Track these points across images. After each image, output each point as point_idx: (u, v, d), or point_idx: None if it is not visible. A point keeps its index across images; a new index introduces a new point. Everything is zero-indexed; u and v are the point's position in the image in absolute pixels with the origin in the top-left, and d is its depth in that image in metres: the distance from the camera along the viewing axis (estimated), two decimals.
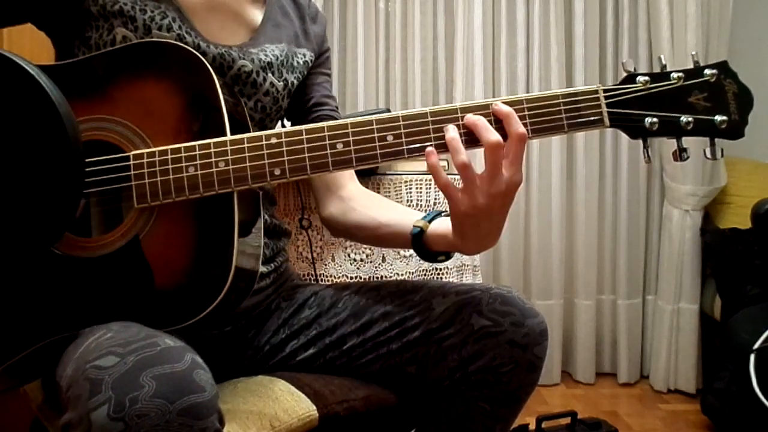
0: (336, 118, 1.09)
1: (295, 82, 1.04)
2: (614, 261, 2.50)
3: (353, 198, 1.07)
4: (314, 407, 0.90)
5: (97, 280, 0.80)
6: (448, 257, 0.94)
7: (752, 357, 1.77)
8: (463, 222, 0.82)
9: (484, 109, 0.80)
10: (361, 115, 1.73)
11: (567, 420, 1.88)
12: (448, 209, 0.85)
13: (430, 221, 0.92)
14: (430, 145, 0.80)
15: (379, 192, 1.62)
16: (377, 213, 1.02)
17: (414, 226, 0.92)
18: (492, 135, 0.78)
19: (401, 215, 0.98)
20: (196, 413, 0.62)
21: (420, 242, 0.92)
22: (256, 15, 1.03)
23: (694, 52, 0.84)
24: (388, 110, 1.77)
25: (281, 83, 1.01)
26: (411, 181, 1.67)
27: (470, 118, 0.79)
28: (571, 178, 2.46)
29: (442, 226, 0.90)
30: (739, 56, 2.41)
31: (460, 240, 0.85)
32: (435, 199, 1.68)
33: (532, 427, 1.85)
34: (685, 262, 2.34)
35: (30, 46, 1.38)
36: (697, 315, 2.35)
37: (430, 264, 1.61)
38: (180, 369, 0.64)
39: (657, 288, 2.44)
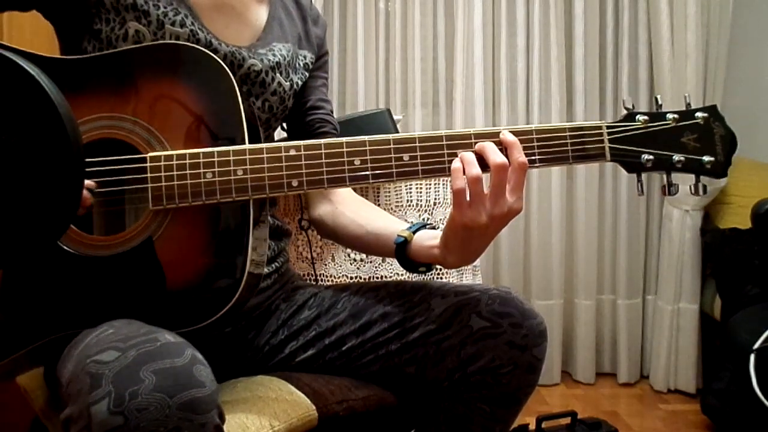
0: (331, 123, 1.09)
1: (299, 82, 1.05)
2: (614, 261, 2.50)
3: (343, 202, 1.08)
4: (314, 407, 0.90)
5: (108, 279, 0.80)
6: (429, 269, 0.95)
7: (752, 357, 1.77)
8: (456, 234, 0.84)
9: (494, 137, 0.83)
10: (361, 115, 1.74)
11: (567, 420, 1.88)
12: (433, 221, 0.86)
13: (414, 232, 0.93)
14: (445, 167, 0.83)
15: (379, 192, 1.62)
16: (364, 220, 1.03)
17: (398, 235, 0.94)
18: (498, 157, 0.81)
19: (387, 224, 0.99)
20: (195, 407, 0.62)
21: (403, 252, 0.93)
22: (261, 15, 1.03)
23: (686, 94, 0.90)
24: (389, 110, 1.77)
25: (288, 83, 1.01)
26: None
27: (480, 143, 0.82)
28: (571, 178, 2.46)
29: (426, 237, 0.91)
30: (739, 56, 2.41)
31: (445, 252, 0.87)
32: (435, 199, 1.68)
33: (532, 427, 1.85)
34: (685, 262, 2.34)
35: (30, 45, 1.38)
36: (697, 315, 2.34)
37: None
38: (180, 364, 0.64)
39: (657, 288, 2.44)
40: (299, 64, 1.05)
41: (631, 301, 2.48)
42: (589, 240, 2.45)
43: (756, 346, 1.78)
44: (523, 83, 2.42)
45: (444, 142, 0.83)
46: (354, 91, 2.38)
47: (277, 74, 0.99)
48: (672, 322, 2.36)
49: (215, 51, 0.85)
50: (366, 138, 0.83)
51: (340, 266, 1.58)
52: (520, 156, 0.82)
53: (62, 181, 0.73)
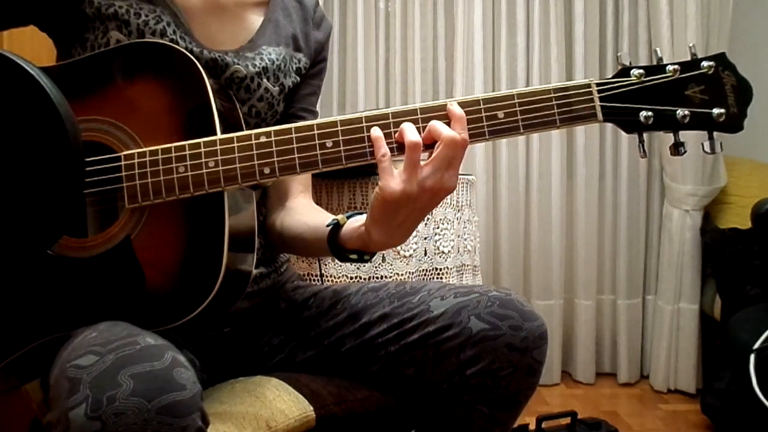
0: None
1: (291, 85, 1.04)
2: (614, 261, 2.50)
3: (294, 208, 1.05)
4: (311, 408, 0.90)
5: (89, 280, 0.80)
6: (360, 258, 0.90)
7: (752, 357, 1.77)
8: (384, 203, 0.79)
9: (471, 105, 0.80)
10: None
11: (567, 420, 1.88)
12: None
13: (349, 217, 0.90)
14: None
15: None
16: (307, 218, 1.00)
17: (332, 218, 0.91)
18: (452, 132, 0.77)
19: (326, 217, 0.96)
20: (175, 411, 0.61)
21: (335, 236, 0.90)
22: (257, 17, 1.02)
23: (691, 44, 0.83)
24: None
25: (277, 88, 1.00)
26: None
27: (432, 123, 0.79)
28: (571, 178, 2.46)
29: (357, 219, 0.88)
30: (739, 56, 2.40)
31: (370, 225, 0.83)
32: None
33: (532, 427, 1.86)
34: (685, 262, 2.34)
35: (30, 47, 1.38)
36: (697, 315, 2.35)
37: (430, 264, 1.61)
38: (159, 367, 0.64)
39: (657, 288, 2.44)
40: (292, 67, 1.04)
41: (631, 301, 2.48)
42: (589, 240, 2.45)
43: (756, 346, 1.78)
44: (523, 83, 2.41)
45: (419, 116, 0.80)
46: (354, 91, 2.38)
47: (264, 79, 0.98)
48: (672, 322, 2.36)
49: (196, 58, 0.84)
50: (337, 118, 0.81)
51: (340, 266, 1.58)
52: (462, 131, 0.78)
53: (62, 182, 0.73)
